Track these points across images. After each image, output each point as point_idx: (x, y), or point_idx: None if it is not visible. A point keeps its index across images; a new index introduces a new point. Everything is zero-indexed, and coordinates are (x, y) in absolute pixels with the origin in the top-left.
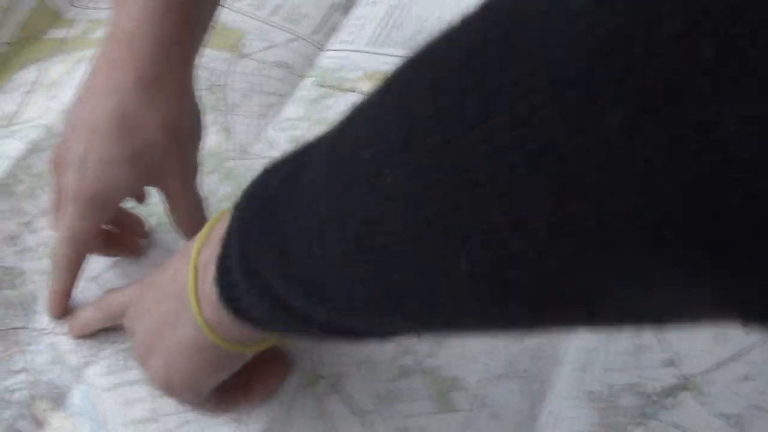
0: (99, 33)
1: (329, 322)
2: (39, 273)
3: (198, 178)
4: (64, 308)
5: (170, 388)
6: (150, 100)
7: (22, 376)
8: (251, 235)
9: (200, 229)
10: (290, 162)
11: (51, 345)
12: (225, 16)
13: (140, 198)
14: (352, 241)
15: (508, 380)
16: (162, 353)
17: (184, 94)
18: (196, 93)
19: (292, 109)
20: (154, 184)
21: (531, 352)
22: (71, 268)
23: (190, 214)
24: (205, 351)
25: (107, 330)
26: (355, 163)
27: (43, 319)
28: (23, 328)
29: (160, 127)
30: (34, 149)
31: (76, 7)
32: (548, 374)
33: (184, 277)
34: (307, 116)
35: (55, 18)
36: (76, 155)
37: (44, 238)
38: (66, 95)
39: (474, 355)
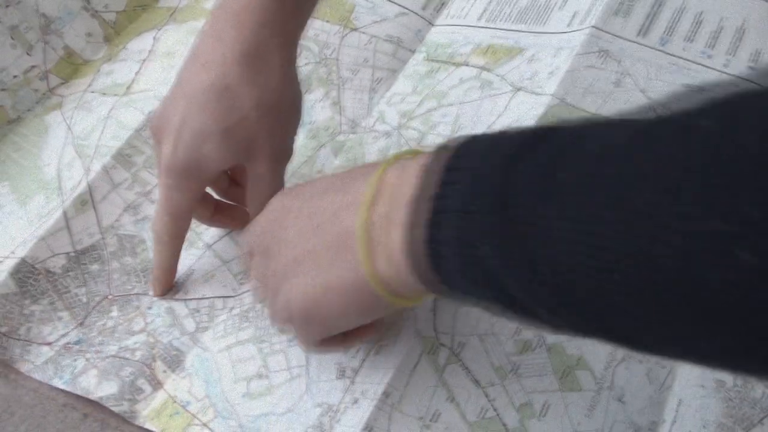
0: (210, 3)
1: (546, 318)
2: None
3: (287, 166)
4: (168, 285)
5: (304, 319)
6: (251, 77)
7: (142, 337)
8: (476, 224)
9: None
10: (522, 148)
11: (169, 309)
12: None
13: (223, 184)
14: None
15: (636, 364)
16: (306, 286)
17: (285, 75)
18: (308, 65)
19: (401, 84)
20: (245, 161)
21: None
22: (171, 242)
23: (267, 201)
24: (361, 296)
25: (224, 297)
26: (630, 196)
27: None
28: (144, 294)
29: (257, 105)
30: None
31: None
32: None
33: (349, 221)
34: (417, 91)
35: None
36: (173, 125)
37: None
38: (180, 65)
39: None
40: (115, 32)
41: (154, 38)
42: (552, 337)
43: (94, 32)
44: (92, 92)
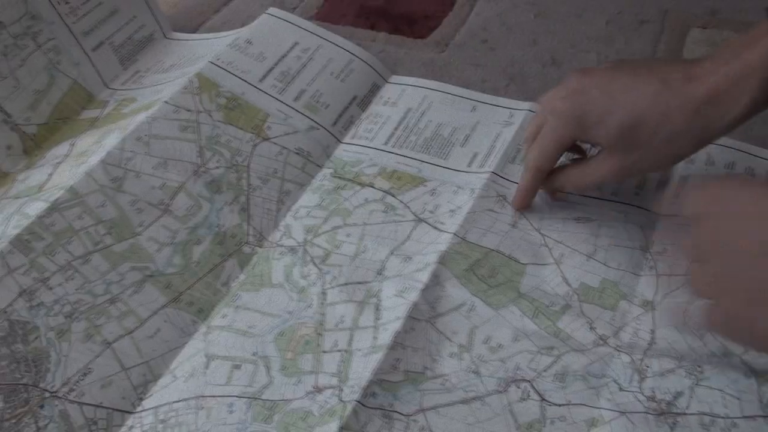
0: (131, 107)
1: None
2: (52, 330)
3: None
4: (526, 203)
5: (672, 159)
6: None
7: None
8: None
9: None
10: None
11: (64, 413)
12: (251, 95)
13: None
14: None
15: None
16: None
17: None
18: (219, 169)
19: (308, 197)
20: (622, 147)
21: None
22: (536, 176)
23: (571, 181)
24: None
25: (123, 412)
26: None
27: (56, 381)
28: (34, 386)
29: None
30: (55, 208)
31: (110, 88)
32: None
33: None
34: (322, 205)
35: (90, 99)
36: (599, 92)
37: (60, 294)
38: (94, 160)
39: None
40: (35, 144)
41: (72, 144)
42: None
43: (14, 145)
44: (6, 198)
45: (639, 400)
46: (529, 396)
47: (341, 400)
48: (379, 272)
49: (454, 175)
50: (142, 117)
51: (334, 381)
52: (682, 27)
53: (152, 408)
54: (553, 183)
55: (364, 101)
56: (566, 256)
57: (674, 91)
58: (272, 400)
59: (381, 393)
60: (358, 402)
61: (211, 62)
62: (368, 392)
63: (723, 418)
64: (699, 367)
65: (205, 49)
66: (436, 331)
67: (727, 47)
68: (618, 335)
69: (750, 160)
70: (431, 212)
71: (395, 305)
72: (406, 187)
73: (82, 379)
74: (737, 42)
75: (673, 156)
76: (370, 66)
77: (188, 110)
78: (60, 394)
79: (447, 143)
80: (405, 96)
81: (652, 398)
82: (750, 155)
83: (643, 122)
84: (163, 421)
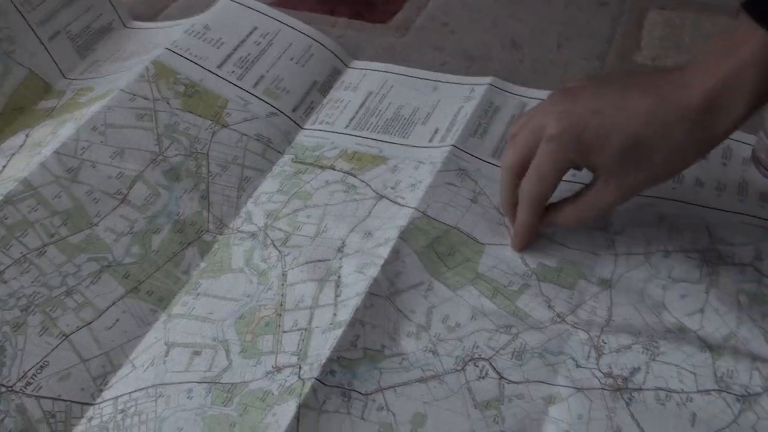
0: (88, 97)
1: None
2: (8, 324)
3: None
4: (528, 241)
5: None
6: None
7: None
8: None
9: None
10: None
11: (21, 407)
12: (209, 81)
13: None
14: None
15: None
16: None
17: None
18: (177, 157)
19: (269, 183)
20: (614, 173)
21: None
22: (537, 208)
23: (574, 216)
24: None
25: (82, 404)
26: None
27: (12, 375)
28: None
29: (679, 142)
30: (9, 200)
31: (67, 78)
32: None
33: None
34: (283, 190)
35: (47, 90)
36: (587, 107)
37: (15, 288)
38: (48, 151)
39: None
40: None
41: (26, 135)
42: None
43: None
44: None
45: (596, 377)
46: (487, 374)
47: (300, 378)
48: (340, 249)
49: (414, 151)
50: (97, 106)
51: (294, 359)
52: (641, 9)
53: (111, 399)
54: (549, 221)
55: (324, 86)
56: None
57: (669, 103)
58: (232, 383)
59: (339, 371)
60: (317, 380)
61: (168, 49)
62: (327, 370)
63: (678, 392)
64: (655, 342)
65: (163, 37)
66: (395, 308)
67: (712, 49)
68: (575, 313)
69: None
70: (392, 188)
71: (355, 281)
72: (367, 167)
73: (39, 373)
74: (721, 42)
75: (675, 170)
76: (331, 51)
77: (145, 98)
78: (16, 389)
79: (408, 122)
80: (366, 80)
81: (609, 374)
82: None
83: (643, 142)
84: (122, 411)
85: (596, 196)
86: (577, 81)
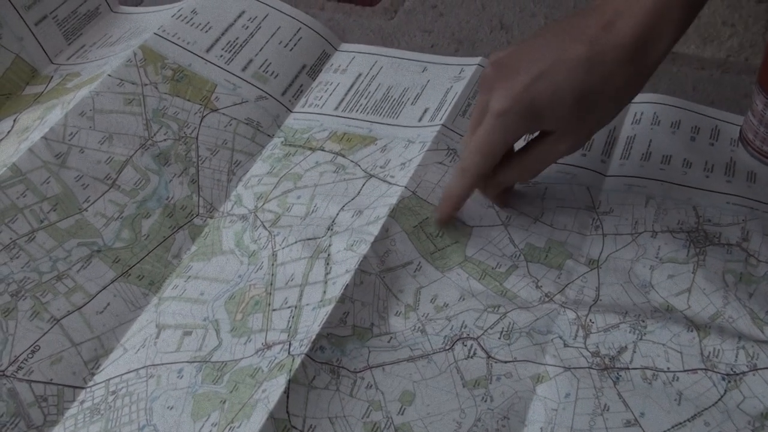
0: (75, 82)
1: None
2: None
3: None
4: (454, 211)
5: (618, 111)
6: (630, 66)
7: None
8: None
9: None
10: None
11: (12, 391)
12: (197, 66)
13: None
14: None
15: None
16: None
17: (635, 69)
18: (167, 141)
19: (259, 167)
20: (562, 131)
21: (499, 412)
22: (473, 176)
23: (529, 171)
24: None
25: (75, 387)
26: None
27: (2, 360)
28: None
29: (617, 88)
30: None
31: (54, 63)
32: None
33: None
34: (273, 172)
35: (33, 75)
36: (529, 73)
37: (5, 273)
38: (36, 136)
39: (443, 414)
40: None
41: (14, 120)
42: (399, 419)
43: None
44: None
45: (583, 356)
46: (475, 353)
47: (290, 353)
48: (329, 228)
49: (404, 131)
50: (85, 92)
51: (284, 336)
52: None
53: (103, 382)
54: (501, 179)
55: (313, 70)
56: (513, 218)
57: (603, 45)
58: (222, 361)
59: (329, 347)
60: (306, 355)
61: (156, 34)
62: (316, 346)
63: (665, 371)
64: (643, 321)
65: (150, 22)
66: (385, 286)
67: None
68: (564, 292)
69: (695, 119)
70: (382, 167)
71: (345, 258)
72: (357, 147)
73: (31, 357)
74: None
75: (619, 108)
76: (319, 34)
77: (133, 83)
78: (8, 373)
79: (398, 103)
80: (355, 62)
81: (596, 353)
82: (695, 113)
83: (590, 89)
84: (113, 393)
85: (550, 149)
86: (501, 50)
